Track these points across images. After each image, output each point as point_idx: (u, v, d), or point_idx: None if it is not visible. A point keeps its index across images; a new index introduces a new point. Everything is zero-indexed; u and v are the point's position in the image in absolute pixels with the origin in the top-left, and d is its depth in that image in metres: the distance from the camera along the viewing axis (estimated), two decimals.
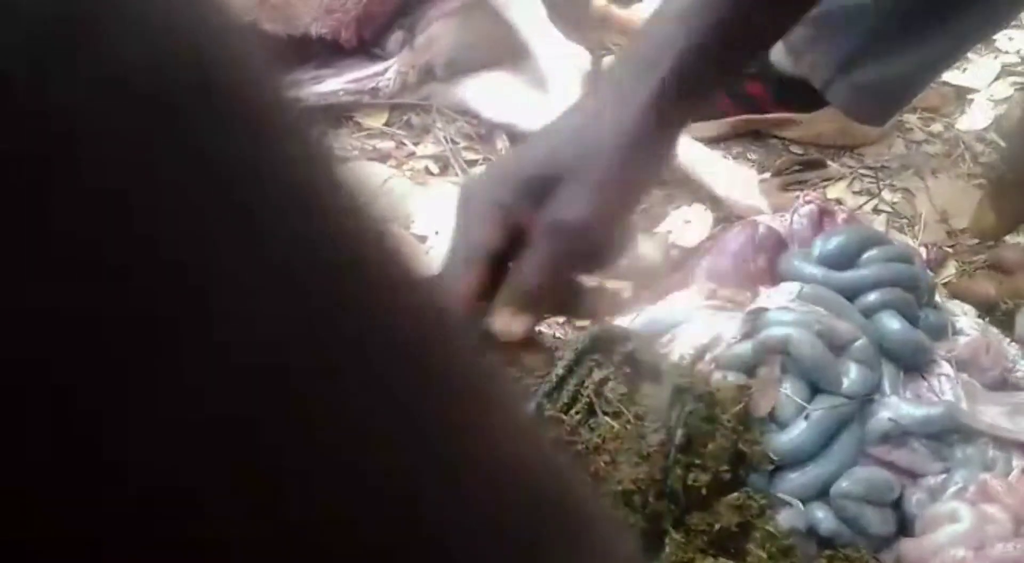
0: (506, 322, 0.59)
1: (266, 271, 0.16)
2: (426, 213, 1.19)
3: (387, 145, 1.29)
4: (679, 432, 0.79)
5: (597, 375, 0.81)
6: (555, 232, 0.58)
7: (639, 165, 0.61)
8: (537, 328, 0.62)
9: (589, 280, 0.66)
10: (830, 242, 0.99)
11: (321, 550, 0.16)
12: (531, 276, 0.58)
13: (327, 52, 1.33)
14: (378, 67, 1.34)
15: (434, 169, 1.25)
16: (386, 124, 1.32)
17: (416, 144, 1.28)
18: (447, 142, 1.27)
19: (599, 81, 0.66)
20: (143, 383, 0.15)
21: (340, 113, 1.32)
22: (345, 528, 0.17)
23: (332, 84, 1.32)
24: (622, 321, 0.95)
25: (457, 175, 1.24)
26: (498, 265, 0.59)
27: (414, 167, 1.25)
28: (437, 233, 1.17)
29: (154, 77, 0.15)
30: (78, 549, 0.14)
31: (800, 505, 0.81)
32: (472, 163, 1.27)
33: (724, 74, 0.68)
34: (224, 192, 0.16)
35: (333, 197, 0.19)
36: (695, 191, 1.19)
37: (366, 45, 1.36)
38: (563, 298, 0.63)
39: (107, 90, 0.15)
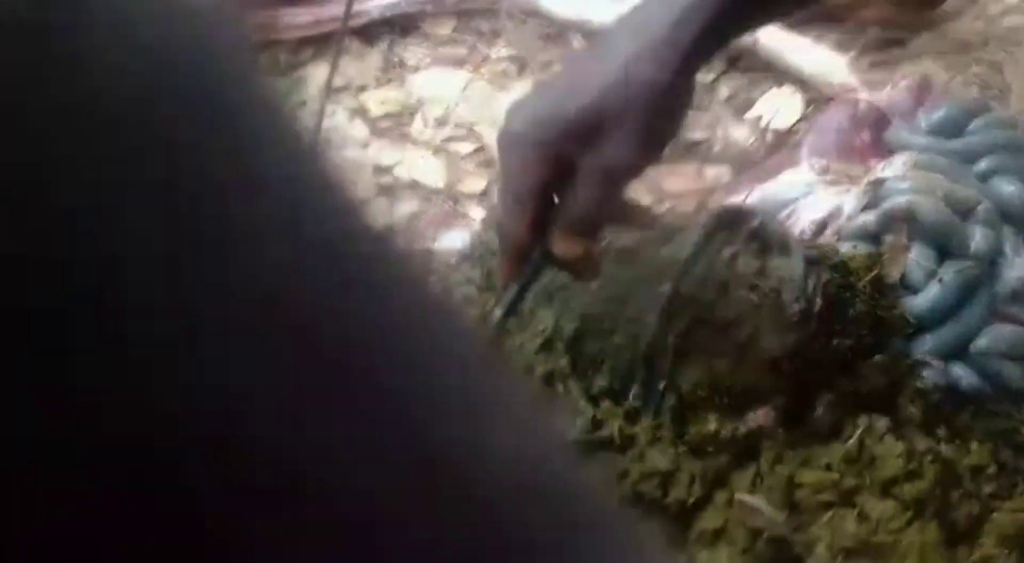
0: (566, 245, 0.65)
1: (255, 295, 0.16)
2: None
3: (459, 52, 1.27)
4: (818, 301, 0.79)
5: (727, 251, 0.81)
6: (605, 173, 0.63)
7: (674, 110, 0.66)
8: (595, 247, 0.68)
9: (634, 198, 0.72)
10: (936, 113, 0.98)
11: None
12: (585, 207, 0.64)
13: None
14: None
15: (511, 71, 1.24)
16: (455, 31, 1.30)
17: (489, 47, 1.27)
18: (521, 44, 1.26)
19: (625, 20, 0.67)
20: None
21: (406, 23, 1.30)
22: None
23: None
24: (735, 202, 0.95)
25: (535, 76, 1.23)
26: (548, 197, 0.64)
27: (492, 70, 1.24)
28: None
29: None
30: None
31: (941, 364, 0.81)
32: (548, 64, 1.25)
33: (764, 14, 0.72)
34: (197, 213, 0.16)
35: (324, 210, 0.18)
36: (782, 74, 1.18)
37: None
38: (614, 217, 0.68)
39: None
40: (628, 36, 0.64)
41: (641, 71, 0.62)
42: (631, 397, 0.76)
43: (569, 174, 0.62)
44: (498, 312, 0.68)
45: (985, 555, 0.67)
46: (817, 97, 1.15)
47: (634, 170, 0.65)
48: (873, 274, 0.83)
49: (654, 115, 0.63)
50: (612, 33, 0.66)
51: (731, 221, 0.84)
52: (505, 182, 0.65)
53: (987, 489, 0.72)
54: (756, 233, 0.83)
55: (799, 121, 1.13)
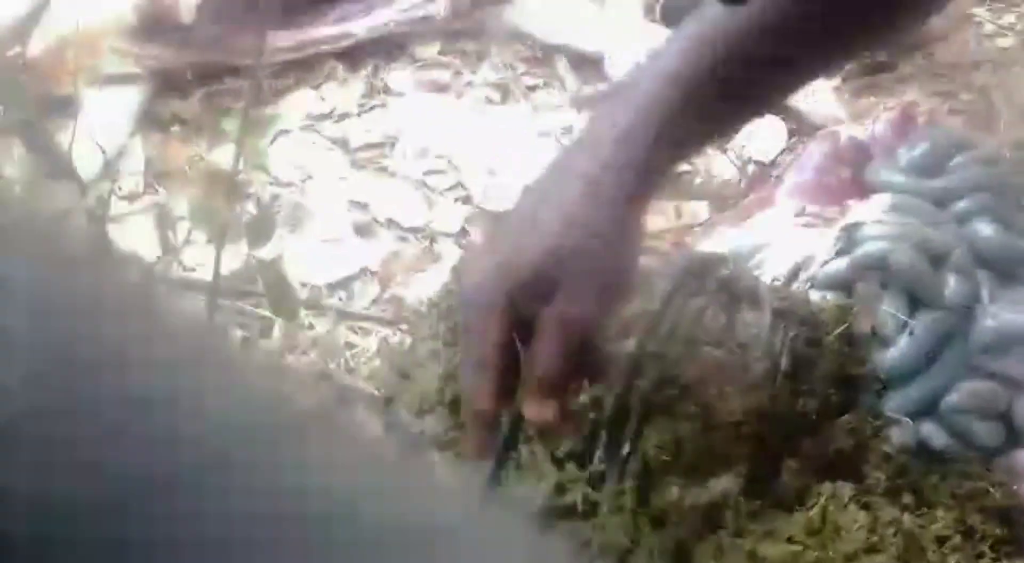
0: (537, 410, 0.63)
1: None
2: (491, 145, 1.17)
3: (444, 76, 1.26)
4: (784, 359, 0.79)
5: (694, 305, 0.80)
6: (566, 325, 0.61)
7: (633, 242, 0.65)
8: (569, 403, 0.67)
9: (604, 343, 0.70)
10: (916, 149, 0.97)
11: None
12: (549, 366, 0.62)
13: None
14: None
15: (495, 97, 1.23)
16: (440, 53, 1.29)
17: (474, 73, 1.25)
18: (506, 68, 1.25)
19: (579, 145, 0.67)
20: None
21: (393, 45, 1.29)
22: None
23: (382, 15, 1.29)
24: (708, 246, 0.94)
25: (519, 102, 1.22)
26: (511, 360, 0.62)
27: (474, 96, 1.23)
28: (505, 163, 1.15)
29: None
30: None
31: (910, 422, 0.81)
32: (532, 88, 1.24)
33: (712, 133, 0.72)
34: None
35: None
36: None
37: None
38: (583, 371, 0.66)
39: None
40: (575, 170, 0.63)
41: (587, 217, 0.61)
42: (596, 460, 0.76)
43: (529, 333, 0.61)
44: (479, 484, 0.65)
45: None
46: (801, 127, 1.14)
47: (595, 321, 0.63)
48: (843, 327, 0.83)
49: (606, 261, 0.62)
50: (553, 175, 0.65)
51: (701, 270, 0.83)
52: (464, 348, 0.63)
53: (952, 560, 0.71)
54: (726, 283, 0.83)
55: (782, 152, 1.11)
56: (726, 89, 0.65)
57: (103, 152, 1.00)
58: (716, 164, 1.13)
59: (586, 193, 0.62)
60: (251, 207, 1.09)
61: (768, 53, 0.66)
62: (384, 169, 1.13)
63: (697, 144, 0.73)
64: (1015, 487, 0.76)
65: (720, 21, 0.65)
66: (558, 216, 0.61)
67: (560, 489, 0.75)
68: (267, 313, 0.94)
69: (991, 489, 0.76)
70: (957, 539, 0.72)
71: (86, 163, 0.98)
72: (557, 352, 0.61)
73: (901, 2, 0.70)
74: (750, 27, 0.65)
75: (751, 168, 1.11)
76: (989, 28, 1.26)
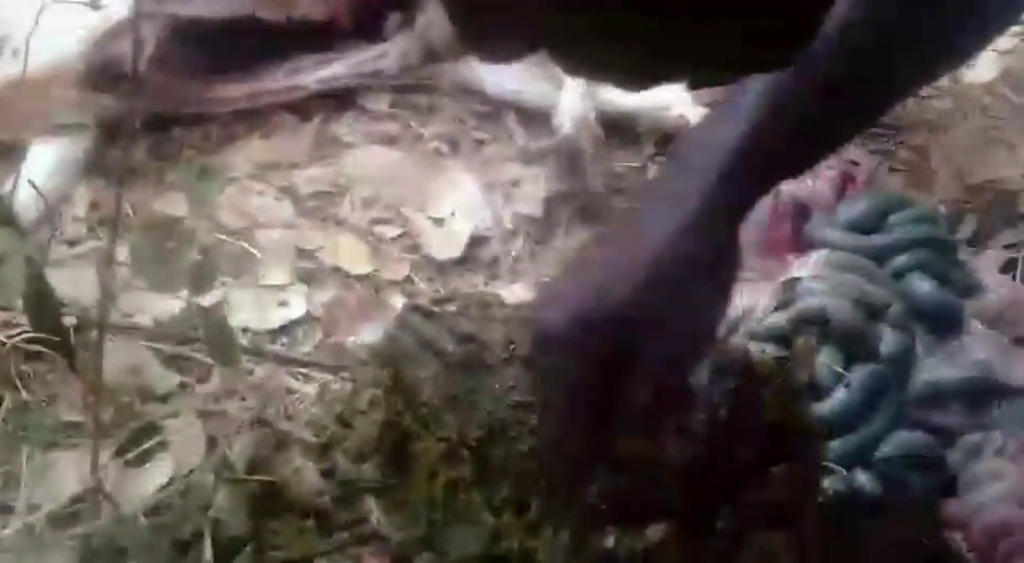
0: (634, 449, 0.63)
1: None
2: (439, 196, 1.18)
3: (394, 128, 1.27)
4: (722, 410, 0.79)
5: None
6: (665, 370, 0.60)
7: (724, 282, 0.62)
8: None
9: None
10: (855, 207, 0.99)
11: None
12: (648, 409, 0.60)
13: (327, 36, 1.32)
14: (379, 49, 1.32)
15: (444, 150, 1.24)
16: (391, 106, 1.30)
17: (424, 126, 1.27)
18: (456, 122, 1.26)
19: (657, 190, 0.65)
20: None
21: (343, 97, 1.30)
22: None
23: (335, 68, 1.31)
24: None
25: (468, 155, 1.23)
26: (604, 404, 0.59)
27: (423, 149, 1.24)
28: (453, 214, 1.16)
29: None
30: None
31: (844, 471, 0.81)
32: (481, 143, 1.25)
33: (786, 173, 0.67)
34: None
35: None
36: None
37: (365, 28, 1.34)
38: (678, 409, 0.65)
39: None
40: (662, 209, 0.60)
41: (683, 248, 0.58)
42: (532, 509, 0.75)
43: (618, 375, 0.58)
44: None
45: None
46: None
47: (693, 359, 0.62)
48: (781, 379, 0.83)
49: (704, 295, 0.60)
50: (644, 206, 0.63)
51: None
52: (552, 392, 0.60)
53: None
54: None
55: None
56: (816, 116, 0.61)
57: (44, 199, 0.99)
58: None
59: (676, 221, 0.58)
60: (194, 253, 1.09)
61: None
62: (331, 218, 1.13)
63: (789, 172, 0.68)
64: (947, 535, 0.77)
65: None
66: (644, 247, 0.58)
67: (496, 536, 0.74)
68: (206, 358, 0.93)
69: (923, 539, 0.77)
70: None
71: (27, 210, 0.98)
72: (654, 395, 0.59)
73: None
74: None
75: None
76: (926, 90, 1.29)
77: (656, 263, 0.57)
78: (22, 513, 0.84)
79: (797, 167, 0.68)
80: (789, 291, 0.90)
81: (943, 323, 0.92)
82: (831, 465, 0.81)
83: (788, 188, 1.05)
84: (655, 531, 0.74)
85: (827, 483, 0.79)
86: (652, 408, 0.60)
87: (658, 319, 0.58)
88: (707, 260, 0.59)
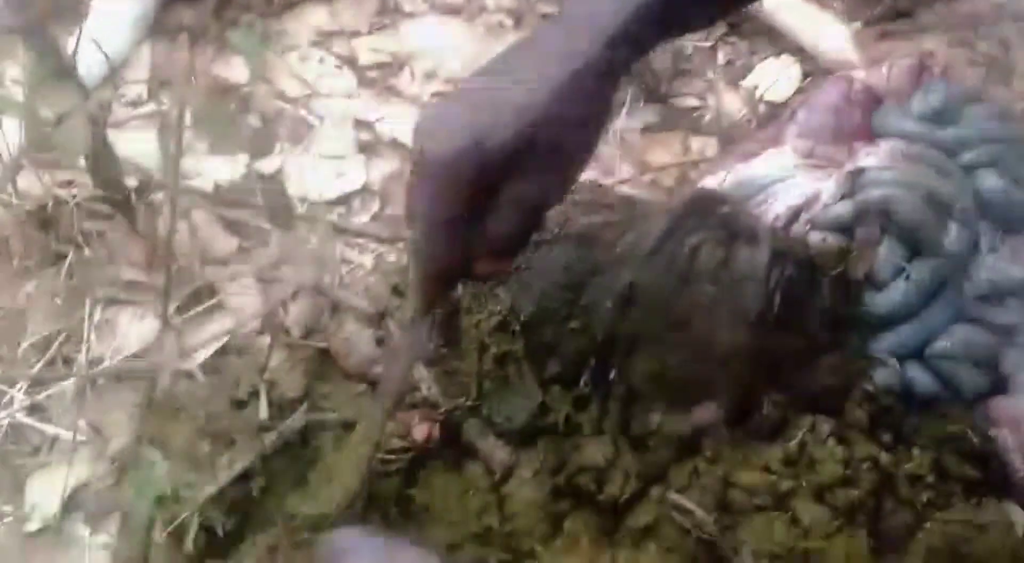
0: (488, 266, 0.64)
1: None
2: None
3: (457, 0, 1.25)
4: (778, 298, 0.79)
5: (692, 240, 0.80)
6: (531, 200, 0.63)
7: (601, 117, 0.65)
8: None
9: None
10: (929, 98, 0.96)
11: None
12: (510, 233, 0.63)
13: None
14: None
15: (507, 22, 1.21)
16: None
17: None
18: None
19: (553, 22, 0.67)
20: None
21: None
22: None
23: None
24: (713, 182, 0.94)
25: (531, 28, 1.21)
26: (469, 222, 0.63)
27: (486, 20, 1.21)
28: None
29: None
30: None
31: (897, 364, 0.81)
32: (545, 16, 1.23)
33: (670, 32, 0.70)
34: None
35: None
36: (782, 42, 1.15)
37: None
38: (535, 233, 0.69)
39: None
40: (551, 53, 0.62)
41: (565, 93, 0.61)
42: (581, 384, 0.76)
43: (490, 199, 0.62)
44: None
45: None
46: (816, 69, 1.12)
47: (560, 193, 0.64)
48: (839, 269, 0.82)
49: (576, 133, 0.62)
50: (525, 48, 0.64)
51: (702, 207, 0.83)
52: (427, 209, 0.62)
53: (924, 498, 0.72)
54: (726, 221, 0.82)
55: (795, 94, 1.10)
56: None
57: (107, 58, 0.99)
58: (727, 101, 1.12)
59: (559, 66, 0.61)
60: (254, 119, 1.09)
61: None
62: (392, 89, 1.12)
63: (678, 28, 0.71)
64: (993, 432, 0.77)
65: None
66: (531, 85, 0.61)
67: (544, 409, 0.75)
68: (264, 225, 0.94)
69: (969, 433, 0.76)
70: (931, 479, 0.72)
71: (90, 68, 0.98)
72: (520, 221, 0.62)
73: None
74: None
75: (762, 108, 1.10)
76: None
77: (539, 105, 0.60)
78: (84, 367, 0.87)
79: (682, 26, 0.70)
80: (855, 180, 0.88)
81: (1010, 221, 0.90)
82: (884, 358, 0.80)
83: (861, 75, 1.02)
84: (699, 413, 0.75)
85: (879, 375, 0.79)
86: (519, 235, 0.64)
87: (529, 158, 0.61)
88: (583, 110, 0.62)
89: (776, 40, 1.16)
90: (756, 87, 1.12)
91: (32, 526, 0.79)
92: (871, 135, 0.96)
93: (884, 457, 0.72)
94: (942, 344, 0.81)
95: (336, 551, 0.58)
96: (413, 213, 0.61)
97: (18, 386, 0.86)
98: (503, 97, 0.61)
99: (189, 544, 0.72)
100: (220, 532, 0.73)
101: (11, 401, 0.85)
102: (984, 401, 0.80)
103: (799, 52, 1.14)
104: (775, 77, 1.12)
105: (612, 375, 0.76)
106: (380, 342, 0.84)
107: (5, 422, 0.84)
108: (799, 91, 1.11)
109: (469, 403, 0.76)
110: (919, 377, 0.80)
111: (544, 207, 0.64)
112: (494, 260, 0.63)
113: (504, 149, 0.60)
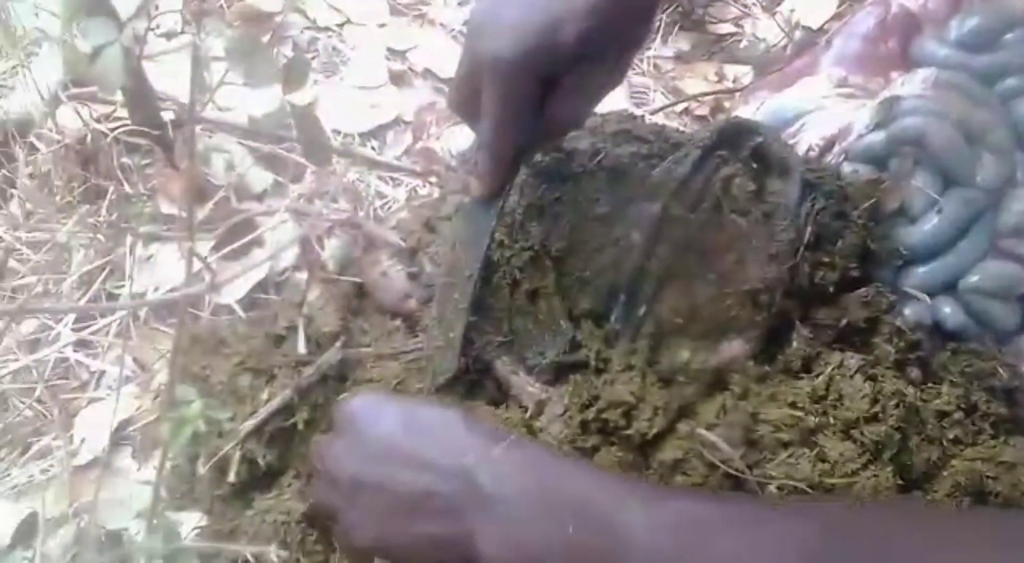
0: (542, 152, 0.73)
1: None
2: None
3: None
4: (808, 230, 0.79)
5: (724, 172, 0.79)
6: (590, 91, 0.67)
7: (648, 11, 0.69)
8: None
9: None
10: (967, 23, 0.94)
11: None
12: (567, 123, 0.70)
13: None
14: None
15: None
16: None
17: None
18: None
19: None
20: None
21: None
22: None
23: None
24: (746, 112, 0.93)
25: None
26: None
27: None
28: None
29: None
30: None
31: (927, 299, 0.81)
32: None
33: None
34: None
35: None
36: None
37: None
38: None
39: None
40: None
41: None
42: (612, 320, 0.77)
43: (554, 86, 0.65)
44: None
45: (936, 502, 0.69)
46: None
47: (621, 77, 0.68)
48: (871, 202, 0.82)
49: (639, 14, 0.65)
50: None
51: (733, 137, 0.82)
52: (496, 106, 0.65)
53: (951, 434, 0.73)
54: (758, 151, 0.82)
55: (831, 19, 1.08)
56: None
57: None
58: (762, 28, 1.10)
59: None
60: (287, 50, 1.09)
61: None
62: (424, 17, 1.12)
63: None
64: (1023, 368, 0.77)
65: None
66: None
67: (575, 344, 0.76)
68: (299, 158, 0.95)
69: (999, 369, 0.77)
70: (958, 415, 0.73)
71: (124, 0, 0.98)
72: (584, 106, 0.67)
73: None
74: None
75: (798, 34, 1.08)
76: None
77: (594, 11, 0.63)
78: (126, 301, 0.89)
79: None
80: (889, 110, 0.87)
81: None
82: (914, 292, 0.80)
83: (898, 1, 0.99)
84: (728, 348, 0.76)
85: (909, 310, 0.79)
86: (572, 124, 0.71)
87: (596, 45, 0.64)
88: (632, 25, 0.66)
89: None
90: (792, 11, 1.10)
91: (81, 460, 0.82)
92: (907, 64, 0.94)
93: (912, 393, 0.72)
94: (974, 279, 0.81)
95: (357, 410, 0.61)
96: (464, 106, 0.65)
97: (63, 321, 0.88)
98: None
99: (231, 476, 0.75)
100: (261, 464, 0.76)
101: (58, 336, 0.88)
102: (1015, 337, 0.80)
103: None
104: (811, 3, 1.10)
105: (642, 310, 0.76)
106: (413, 277, 0.85)
107: (53, 357, 0.87)
108: (835, 16, 1.09)
109: (500, 339, 0.77)
110: (950, 312, 0.80)
111: (607, 91, 0.67)
112: (553, 138, 0.69)
113: (577, 41, 0.62)
